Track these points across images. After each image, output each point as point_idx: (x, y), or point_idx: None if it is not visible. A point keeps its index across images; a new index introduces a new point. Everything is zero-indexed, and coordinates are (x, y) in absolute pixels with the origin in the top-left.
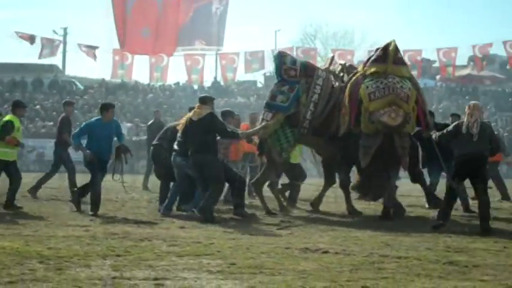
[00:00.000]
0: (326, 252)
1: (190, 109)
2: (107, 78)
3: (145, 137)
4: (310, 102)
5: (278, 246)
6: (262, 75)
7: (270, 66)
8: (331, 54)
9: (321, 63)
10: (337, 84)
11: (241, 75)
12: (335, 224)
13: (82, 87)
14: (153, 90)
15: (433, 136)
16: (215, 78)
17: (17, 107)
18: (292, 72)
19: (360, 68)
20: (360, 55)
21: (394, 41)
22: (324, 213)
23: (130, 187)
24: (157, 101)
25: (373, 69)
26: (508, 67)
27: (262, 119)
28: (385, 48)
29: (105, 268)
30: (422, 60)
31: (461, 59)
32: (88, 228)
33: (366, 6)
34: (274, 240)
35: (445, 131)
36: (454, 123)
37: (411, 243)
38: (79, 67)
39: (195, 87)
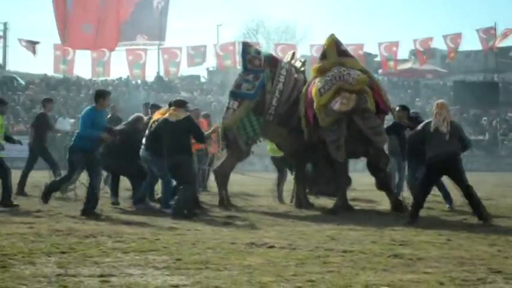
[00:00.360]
0: (272, 246)
1: (148, 105)
2: (49, 73)
3: None
4: (275, 90)
5: (224, 242)
6: (205, 69)
7: (212, 61)
8: (274, 49)
9: None
10: (300, 77)
11: (185, 70)
12: (281, 219)
13: (23, 83)
14: (95, 85)
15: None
16: (158, 73)
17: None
18: (256, 61)
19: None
20: (302, 49)
21: (332, 35)
22: (270, 208)
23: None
24: None
25: (318, 66)
26: (447, 61)
27: (228, 108)
28: (324, 44)
29: (49, 265)
30: (364, 54)
31: (403, 53)
32: (32, 225)
33: (308, 1)
34: (220, 236)
35: (413, 132)
36: (422, 123)
37: (356, 237)
38: (21, 63)
39: (138, 82)
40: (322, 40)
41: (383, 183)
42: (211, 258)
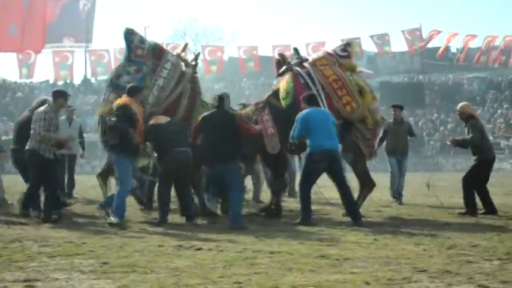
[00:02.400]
0: (199, 249)
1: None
2: None
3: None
4: (154, 85)
5: (151, 244)
6: None
7: None
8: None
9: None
10: (188, 71)
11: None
12: (209, 221)
13: None
14: (21, 88)
15: None
16: (85, 75)
17: None
18: (139, 51)
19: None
20: (231, 51)
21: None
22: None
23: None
24: (27, 99)
25: (347, 62)
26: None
27: (104, 99)
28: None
29: None
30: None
31: None
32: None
33: (235, 2)
34: (148, 239)
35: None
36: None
37: (284, 238)
38: None
39: (68, 82)
40: (250, 42)
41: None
42: (138, 262)
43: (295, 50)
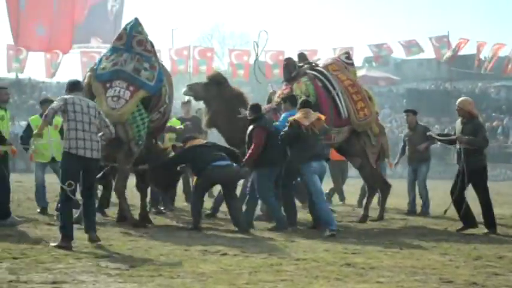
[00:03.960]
0: (225, 254)
1: None
2: (2, 75)
3: None
4: (165, 83)
5: (177, 248)
6: None
7: (167, 66)
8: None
9: (217, 63)
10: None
11: None
12: (232, 226)
13: None
14: (48, 87)
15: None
16: None
17: None
18: (148, 45)
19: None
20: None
21: None
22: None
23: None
24: (54, 98)
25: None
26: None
27: (118, 97)
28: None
29: (1, 272)
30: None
31: (357, 60)
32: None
33: (263, 6)
34: (173, 242)
35: None
36: None
37: (309, 245)
38: None
39: None
40: (277, 46)
41: None
42: (164, 266)
43: (302, 55)
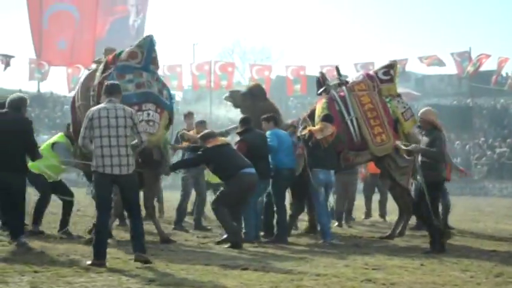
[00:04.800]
0: (246, 269)
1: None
2: (24, 88)
3: None
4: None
5: (198, 263)
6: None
7: (188, 80)
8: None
9: (238, 78)
10: None
11: None
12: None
13: None
14: (70, 102)
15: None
16: None
17: None
18: (157, 62)
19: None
20: (278, 70)
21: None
22: None
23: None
24: None
25: (390, 87)
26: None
27: (152, 121)
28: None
29: (22, 284)
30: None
31: None
32: (4, 243)
33: (284, 21)
34: (194, 257)
35: None
36: None
37: (329, 261)
38: None
39: None
40: (297, 61)
41: None
42: (185, 280)
43: (337, 69)
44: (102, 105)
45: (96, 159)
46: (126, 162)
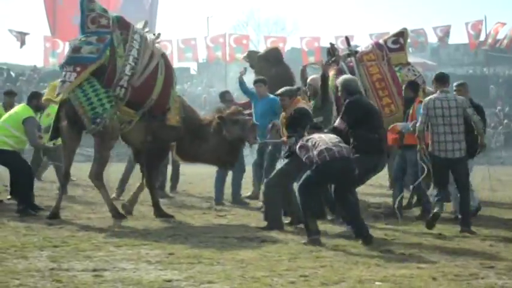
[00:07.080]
0: (264, 241)
1: None
2: (39, 65)
3: None
4: (128, 56)
5: (216, 236)
6: (195, 61)
7: (203, 53)
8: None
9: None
10: (157, 45)
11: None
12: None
13: (13, 75)
14: None
15: None
16: None
17: None
18: (103, 20)
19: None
20: (293, 42)
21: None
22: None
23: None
24: None
25: (400, 55)
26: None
27: (63, 82)
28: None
29: (42, 259)
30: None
31: None
32: (24, 218)
33: None
34: (212, 229)
35: None
36: None
37: (348, 232)
38: (9, 54)
39: None
40: (312, 33)
41: None
42: (203, 253)
43: (346, 39)
44: None
45: None
46: None
